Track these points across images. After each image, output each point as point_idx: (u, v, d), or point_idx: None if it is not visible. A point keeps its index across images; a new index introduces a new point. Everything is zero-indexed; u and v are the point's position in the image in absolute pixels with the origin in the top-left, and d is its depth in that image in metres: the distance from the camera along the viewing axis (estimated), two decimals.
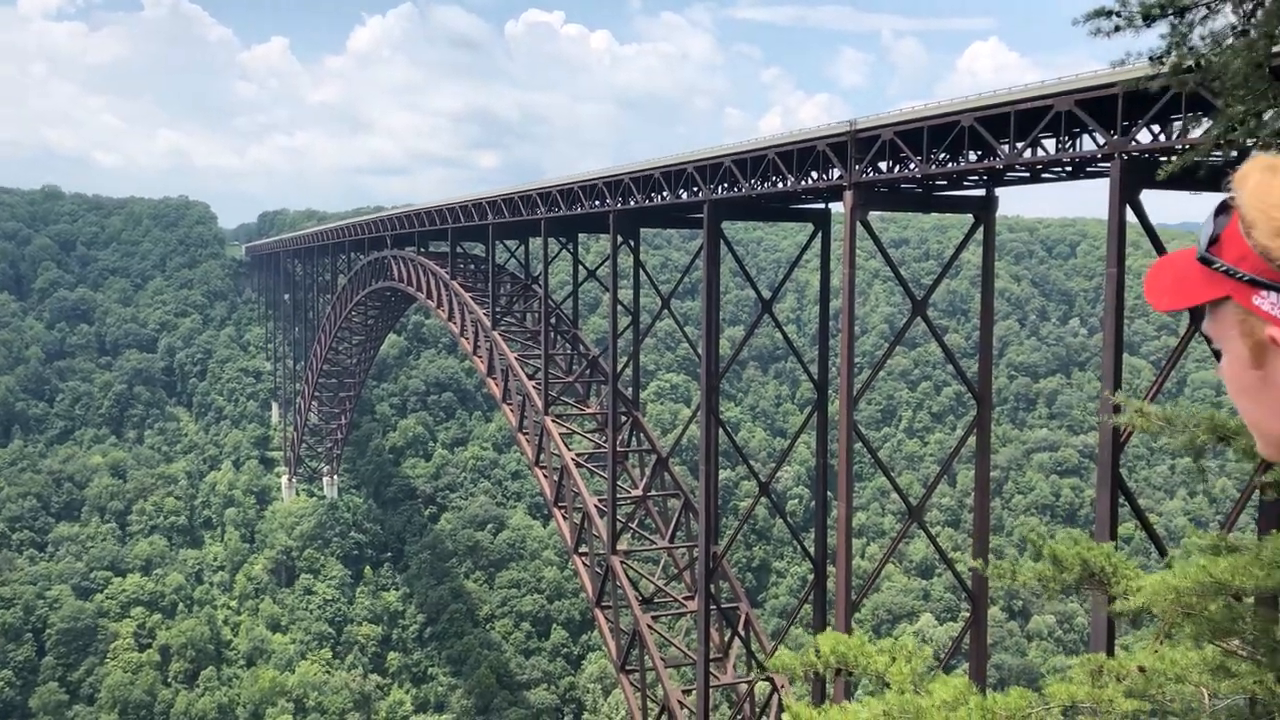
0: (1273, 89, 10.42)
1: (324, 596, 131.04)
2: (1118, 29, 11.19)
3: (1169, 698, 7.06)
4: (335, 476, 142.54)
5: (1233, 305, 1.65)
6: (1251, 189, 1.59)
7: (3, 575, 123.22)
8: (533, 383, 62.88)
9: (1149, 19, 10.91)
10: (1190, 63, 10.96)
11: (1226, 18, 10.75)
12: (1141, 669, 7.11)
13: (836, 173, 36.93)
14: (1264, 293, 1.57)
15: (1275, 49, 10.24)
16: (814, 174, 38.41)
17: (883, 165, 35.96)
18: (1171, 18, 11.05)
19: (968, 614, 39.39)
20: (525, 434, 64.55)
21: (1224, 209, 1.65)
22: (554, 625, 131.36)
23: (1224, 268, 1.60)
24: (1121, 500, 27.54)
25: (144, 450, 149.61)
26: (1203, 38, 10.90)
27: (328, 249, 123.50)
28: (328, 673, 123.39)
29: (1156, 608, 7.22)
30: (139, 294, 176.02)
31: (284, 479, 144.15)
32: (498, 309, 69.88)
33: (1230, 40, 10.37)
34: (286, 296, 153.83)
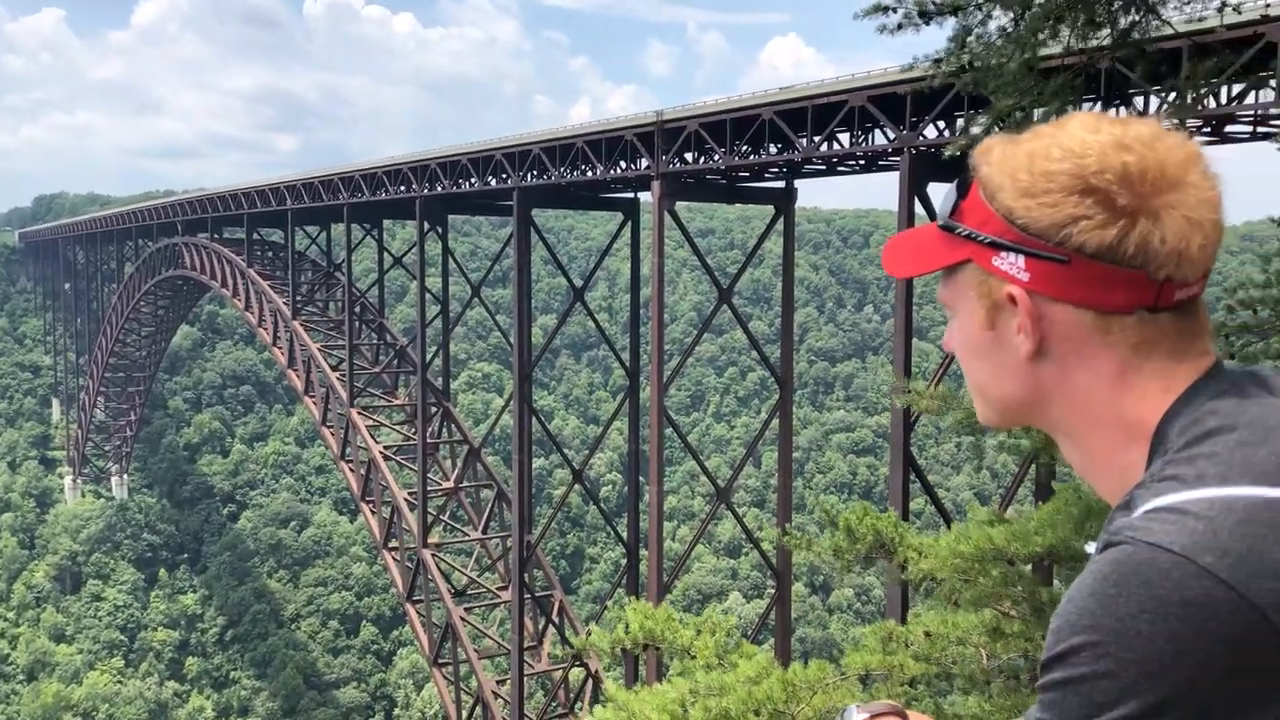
0: (1039, 86, 11.21)
1: (114, 603, 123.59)
2: (900, 26, 11.77)
3: (951, 660, 7.56)
4: (125, 476, 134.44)
5: (972, 268, 1.75)
6: (997, 157, 1.70)
7: None
8: (337, 374, 61.10)
9: (925, 17, 11.51)
10: (967, 63, 11.64)
11: (999, 20, 11.48)
12: (927, 633, 7.58)
13: (645, 163, 37.41)
14: (1003, 254, 1.67)
15: (1041, 51, 11.00)
16: (623, 163, 38.78)
17: (689, 156, 36.68)
18: (953, 18, 11.72)
19: (773, 591, 40.81)
20: (330, 427, 62.69)
21: (962, 184, 1.76)
22: (364, 622, 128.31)
23: (966, 232, 1.71)
24: (913, 477, 29.11)
25: None
26: (979, 39, 11.60)
27: (113, 235, 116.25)
28: (120, 683, 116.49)
29: (942, 573, 7.72)
30: None
31: (67, 480, 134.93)
32: (298, 298, 67.49)
33: (1000, 42, 11.09)
34: (67, 286, 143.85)
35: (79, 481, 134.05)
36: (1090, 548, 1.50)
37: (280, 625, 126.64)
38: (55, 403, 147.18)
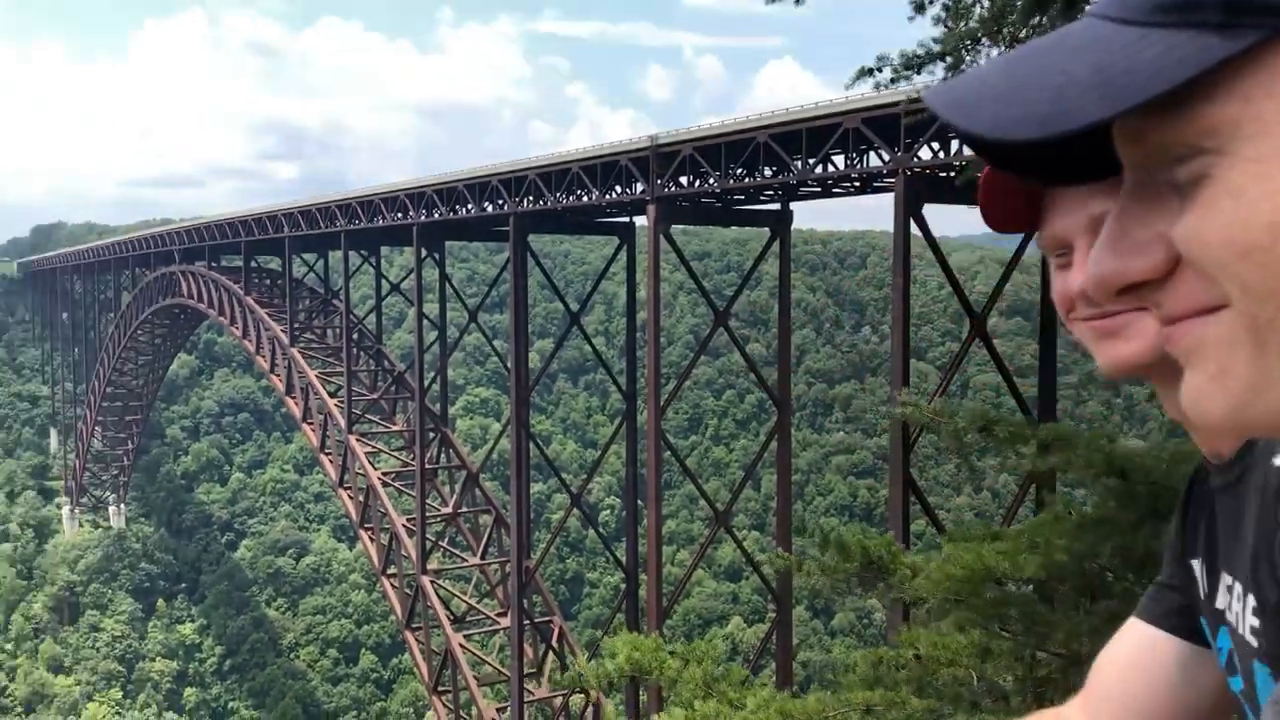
0: None
1: (112, 633, 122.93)
2: (894, 79, 11.88)
3: (941, 682, 7.52)
4: (123, 505, 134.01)
5: None
6: None
7: None
8: (335, 401, 61.05)
9: (913, 67, 11.62)
10: None
11: (992, 53, 11.59)
12: (918, 656, 7.54)
13: (640, 187, 37.53)
14: None
15: None
16: (618, 188, 38.92)
17: (684, 180, 36.79)
18: (942, 62, 11.82)
19: (774, 615, 40.64)
20: (328, 454, 62.58)
21: None
22: (363, 650, 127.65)
23: None
24: (913, 498, 29.04)
25: None
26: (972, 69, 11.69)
27: (110, 264, 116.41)
28: (118, 714, 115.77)
29: (936, 595, 7.69)
30: None
31: (65, 510, 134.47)
32: (296, 325, 67.54)
33: None
34: (65, 315, 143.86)
35: (77, 511, 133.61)
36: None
37: (279, 654, 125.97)
38: (53, 432, 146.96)
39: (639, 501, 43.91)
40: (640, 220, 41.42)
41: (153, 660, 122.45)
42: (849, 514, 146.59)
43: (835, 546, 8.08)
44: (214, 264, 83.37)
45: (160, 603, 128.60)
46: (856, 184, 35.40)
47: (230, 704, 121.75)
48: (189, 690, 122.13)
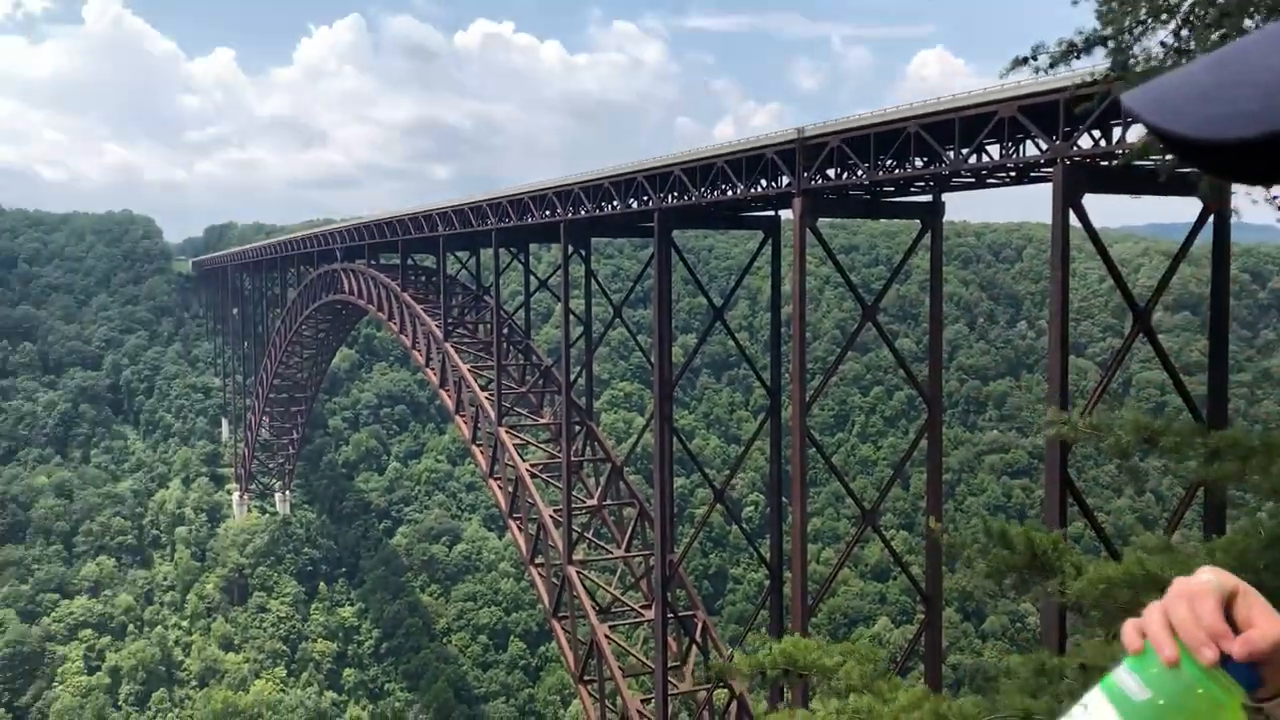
0: None
1: (278, 614, 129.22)
2: (1052, 64, 11.43)
3: None
4: (288, 492, 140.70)
5: None
6: None
7: None
8: (486, 394, 62.61)
9: (1074, 53, 11.16)
10: (1127, 74, 11.22)
11: (1158, 36, 11.01)
12: (1083, 666, 7.21)
13: (785, 180, 37.19)
14: None
15: None
16: (763, 182, 38.66)
17: (831, 172, 36.30)
18: (1102, 47, 11.33)
19: (923, 616, 39.75)
20: (479, 445, 64.22)
21: None
22: (511, 637, 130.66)
23: None
24: (1071, 500, 27.95)
25: (90, 470, 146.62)
26: (1139, 54, 11.15)
27: (276, 262, 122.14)
28: (283, 691, 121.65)
29: (1087, 599, 7.35)
30: (83, 310, 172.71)
31: (235, 496, 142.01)
32: (449, 320, 69.51)
33: (1163, 54, 10.64)
34: (235, 311, 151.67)
35: (246, 497, 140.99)
36: None
37: (432, 639, 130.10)
38: (224, 422, 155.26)
39: (783, 498, 43.57)
40: (785, 214, 41.07)
41: (314, 641, 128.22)
42: (1003, 515, 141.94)
43: (998, 537, 7.79)
44: (373, 261, 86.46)
45: (322, 586, 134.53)
46: (1012, 174, 34.27)
47: (386, 685, 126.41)
48: (348, 671, 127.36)
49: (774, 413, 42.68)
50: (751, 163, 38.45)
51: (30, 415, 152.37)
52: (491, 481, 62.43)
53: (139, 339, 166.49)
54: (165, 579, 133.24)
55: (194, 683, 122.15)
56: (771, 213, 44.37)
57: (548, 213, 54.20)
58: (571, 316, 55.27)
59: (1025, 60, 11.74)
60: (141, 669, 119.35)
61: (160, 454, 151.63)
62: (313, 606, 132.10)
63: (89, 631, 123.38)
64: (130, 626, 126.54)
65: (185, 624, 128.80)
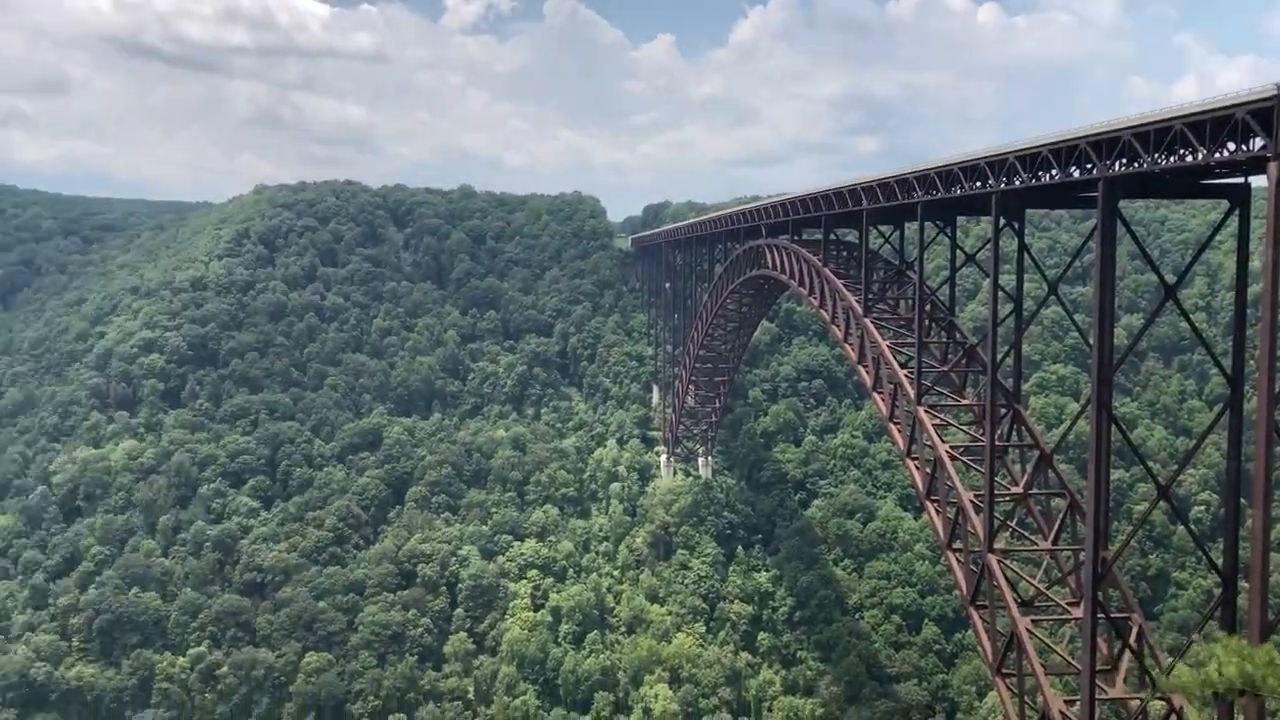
0: None
1: (698, 573, 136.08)
2: None
3: None
4: (709, 458, 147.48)
5: None
6: None
7: (424, 533, 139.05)
8: (905, 371, 61.58)
9: None
10: None
11: None
12: None
13: (1258, 143, 32.94)
14: None
15: None
16: (1230, 145, 34.46)
17: None
18: None
19: None
20: (896, 424, 63.34)
21: None
22: (925, 620, 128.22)
23: None
24: None
25: (540, 426, 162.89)
26: None
27: (705, 239, 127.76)
28: (701, 647, 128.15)
29: None
30: (537, 283, 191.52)
31: (663, 458, 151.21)
32: (870, 296, 69.02)
33: None
34: (667, 285, 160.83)
35: (672, 460, 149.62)
36: None
37: (844, 613, 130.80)
38: (655, 389, 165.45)
39: (1242, 499, 38.92)
40: (1258, 181, 36.33)
41: (731, 602, 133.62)
42: None
43: None
44: (795, 237, 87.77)
45: (739, 550, 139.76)
46: None
47: (799, 653, 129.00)
48: (761, 634, 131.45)
49: (1235, 404, 38.11)
50: (1218, 124, 34.42)
51: (493, 376, 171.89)
52: (909, 461, 61.37)
53: (583, 309, 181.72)
54: (600, 530, 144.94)
55: (623, 628, 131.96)
56: (1240, 179, 39.48)
57: (977, 184, 51.98)
58: (1000, 293, 52.71)
59: None
60: (579, 611, 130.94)
61: (599, 415, 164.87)
62: (730, 568, 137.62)
63: (535, 572, 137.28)
64: (570, 571, 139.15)
65: (616, 573, 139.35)
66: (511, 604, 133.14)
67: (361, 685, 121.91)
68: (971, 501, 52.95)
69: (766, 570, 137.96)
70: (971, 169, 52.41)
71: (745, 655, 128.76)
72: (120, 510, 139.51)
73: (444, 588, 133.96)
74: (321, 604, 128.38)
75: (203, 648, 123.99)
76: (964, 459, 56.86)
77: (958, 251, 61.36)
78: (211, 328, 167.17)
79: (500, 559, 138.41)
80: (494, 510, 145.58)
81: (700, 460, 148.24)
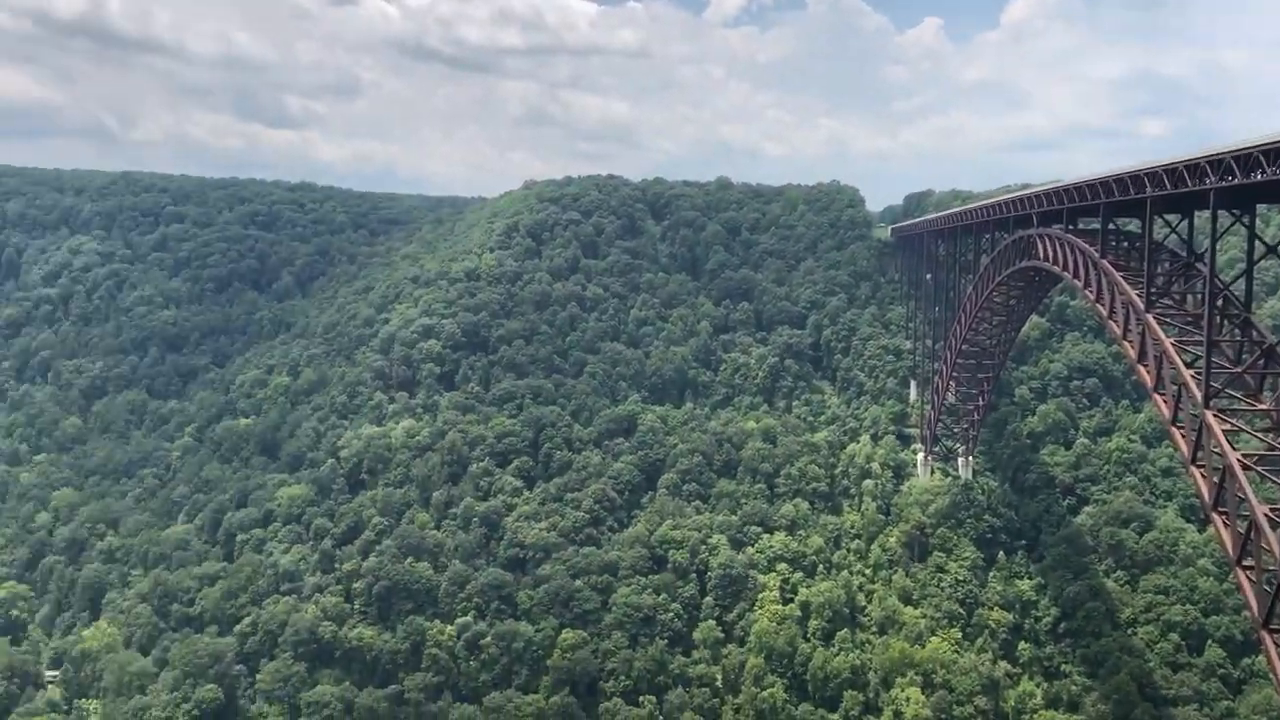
0: None
1: (955, 576, 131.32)
2: None
3: None
4: (970, 458, 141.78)
5: None
6: None
7: (675, 520, 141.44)
8: (1191, 372, 56.84)
9: None
10: None
11: None
12: None
13: None
14: None
15: None
16: None
17: None
18: None
19: None
20: (1180, 428, 58.56)
21: None
22: (1208, 641, 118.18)
23: None
24: None
25: (790, 419, 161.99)
26: None
27: (970, 228, 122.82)
28: (956, 653, 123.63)
29: None
30: (791, 274, 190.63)
31: (919, 456, 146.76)
32: (1153, 290, 64.19)
33: None
34: (928, 276, 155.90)
35: (929, 459, 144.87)
36: None
37: (1115, 627, 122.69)
38: (912, 384, 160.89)
39: None
40: None
41: (990, 609, 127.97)
42: None
43: None
44: (1070, 227, 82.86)
45: (1000, 555, 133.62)
46: None
47: (1063, 666, 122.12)
48: (1022, 644, 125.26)
49: None
50: None
51: (744, 367, 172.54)
52: (1193, 469, 56.57)
53: (839, 301, 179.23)
54: (852, 527, 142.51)
55: (874, 629, 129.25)
56: None
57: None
58: None
59: None
60: (828, 607, 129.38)
61: (853, 410, 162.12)
62: (990, 574, 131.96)
63: (784, 565, 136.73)
64: (820, 566, 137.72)
65: (868, 572, 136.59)
66: (760, 595, 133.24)
67: (614, 664, 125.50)
68: (1267, 515, 48.16)
69: (1030, 578, 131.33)
70: (1274, 151, 47.58)
71: (1004, 664, 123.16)
72: (399, 484, 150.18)
73: (694, 575, 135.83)
74: (578, 582, 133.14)
75: (469, 618, 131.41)
76: (1259, 469, 51.82)
77: (1257, 242, 55.95)
78: (483, 316, 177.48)
79: (749, 550, 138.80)
80: (743, 501, 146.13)
81: (960, 460, 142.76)
